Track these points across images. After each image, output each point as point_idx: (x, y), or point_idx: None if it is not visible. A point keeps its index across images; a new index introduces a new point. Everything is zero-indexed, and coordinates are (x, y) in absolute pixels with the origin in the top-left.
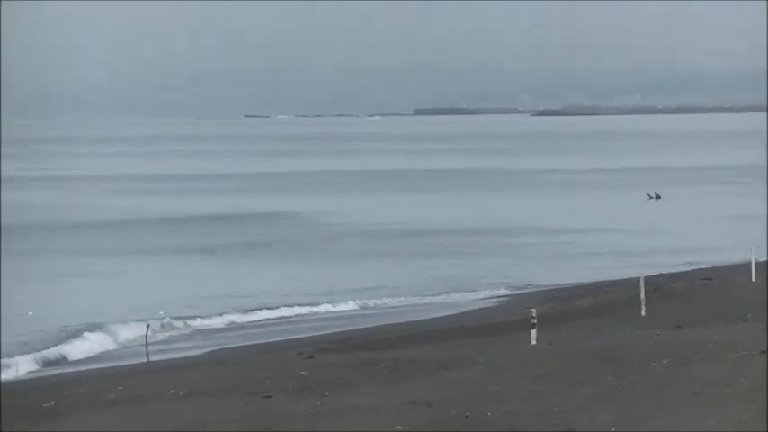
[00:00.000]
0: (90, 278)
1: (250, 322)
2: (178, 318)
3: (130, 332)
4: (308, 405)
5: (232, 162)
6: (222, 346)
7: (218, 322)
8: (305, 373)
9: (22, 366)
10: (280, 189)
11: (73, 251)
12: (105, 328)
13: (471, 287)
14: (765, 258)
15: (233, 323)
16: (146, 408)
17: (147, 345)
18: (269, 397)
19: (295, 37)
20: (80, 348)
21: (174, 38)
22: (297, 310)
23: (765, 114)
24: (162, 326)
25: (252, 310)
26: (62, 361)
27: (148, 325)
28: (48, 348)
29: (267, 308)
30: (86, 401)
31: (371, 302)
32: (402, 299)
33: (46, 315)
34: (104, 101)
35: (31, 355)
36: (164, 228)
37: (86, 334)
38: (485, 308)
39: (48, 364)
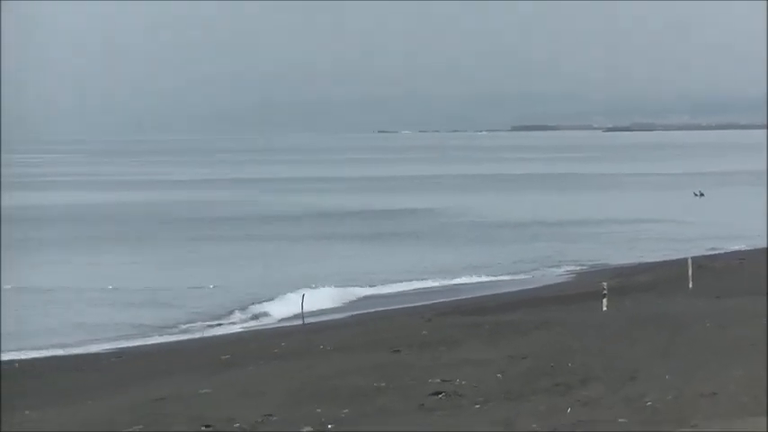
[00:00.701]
0: (263, 259)
1: (384, 293)
2: (330, 287)
3: (291, 301)
4: (427, 358)
5: (371, 167)
6: (361, 312)
7: (359, 292)
8: (425, 332)
9: (199, 329)
10: (414, 189)
11: (244, 238)
12: (274, 298)
13: (555, 265)
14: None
15: (371, 294)
16: (301, 360)
17: (302, 310)
18: (398, 351)
19: (417, 69)
20: (250, 313)
21: (321, 73)
22: (419, 284)
23: None
24: (315, 295)
25: (386, 283)
26: (235, 324)
27: (303, 295)
28: (224, 313)
29: (398, 281)
30: (255, 355)
31: (478, 277)
32: (501, 275)
33: (226, 287)
34: (279, 119)
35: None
36: (324, 220)
37: (255, 304)
38: (565, 282)
39: (223, 324)
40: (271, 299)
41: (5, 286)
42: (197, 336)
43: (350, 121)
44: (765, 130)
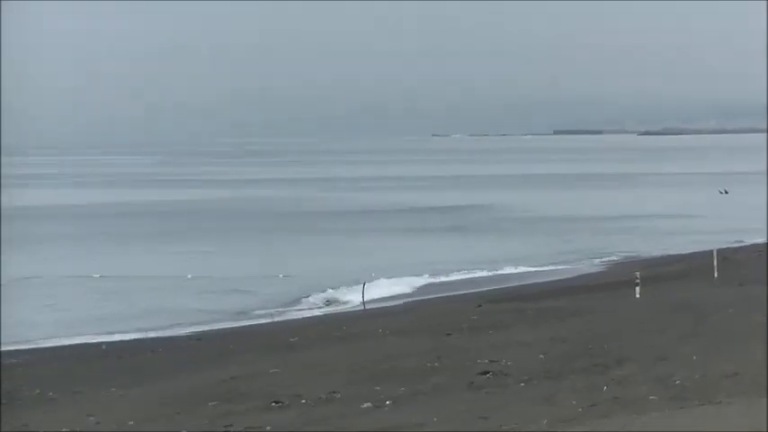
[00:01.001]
0: (329, 250)
1: (438, 282)
2: (388, 277)
3: (353, 289)
4: (476, 340)
5: (430, 167)
6: (417, 299)
7: (415, 281)
8: (474, 317)
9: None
10: (466, 186)
11: (312, 231)
12: (338, 287)
13: (593, 256)
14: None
15: (426, 282)
16: (362, 342)
17: (363, 297)
18: (449, 334)
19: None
20: (317, 299)
21: (383, 80)
22: (469, 274)
23: None
24: (377, 283)
25: (439, 273)
26: (302, 309)
27: (364, 283)
28: (293, 300)
29: (450, 271)
30: (320, 338)
31: (523, 267)
32: (544, 265)
33: (295, 276)
34: (336, 126)
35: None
36: (385, 215)
37: (321, 291)
38: (602, 271)
39: (292, 310)
40: (335, 287)
41: (94, 275)
42: (268, 320)
43: (405, 124)
44: None
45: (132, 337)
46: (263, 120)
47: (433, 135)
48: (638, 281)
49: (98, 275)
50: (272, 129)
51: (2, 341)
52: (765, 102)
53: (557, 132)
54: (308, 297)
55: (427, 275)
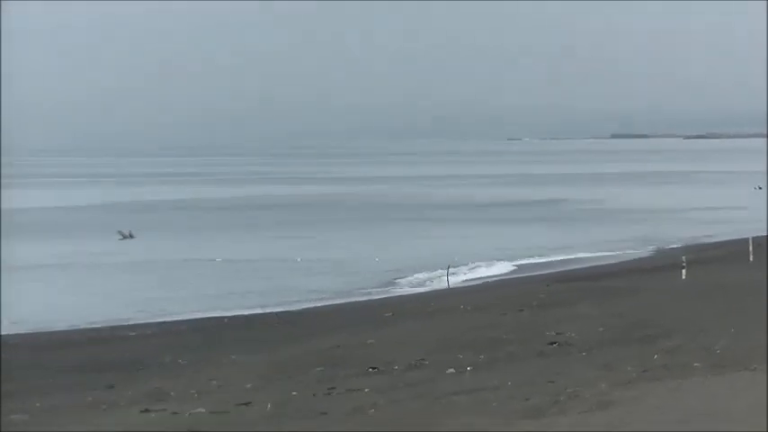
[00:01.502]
0: (420, 237)
1: (514, 265)
2: (471, 261)
3: (440, 271)
4: (545, 315)
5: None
6: (494, 279)
7: (495, 265)
8: (543, 296)
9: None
10: (541, 183)
11: (406, 220)
12: (427, 269)
13: (646, 242)
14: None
15: (505, 265)
16: (447, 317)
17: (448, 278)
18: (521, 310)
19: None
20: (409, 280)
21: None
22: (540, 259)
23: None
24: (460, 266)
25: (516, 257)
26: (395, 288)
27: (449, 266)
28: (387, 280)
29: (525, 256)
30: (411, 313)
31: (587, 253)
32: (605, 250)
33: (390, 260)
34: (417, 127)
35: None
36: (472, 208)
37: (412, 273)
38: (653, 256)
39: (387, 289)
40: (424, 269)
41: (217, 259)
42: (366, 298)
43: (480, 129)
44: None
45: (249, 312)
46: (345, 126)
47: (508, 139)
48: (684, 264)
49: (220, 259)
50: (353, 132)
51: (140, 316)
52: None
53: (614, 136)
54: (401, 278)
55: (505, 260)
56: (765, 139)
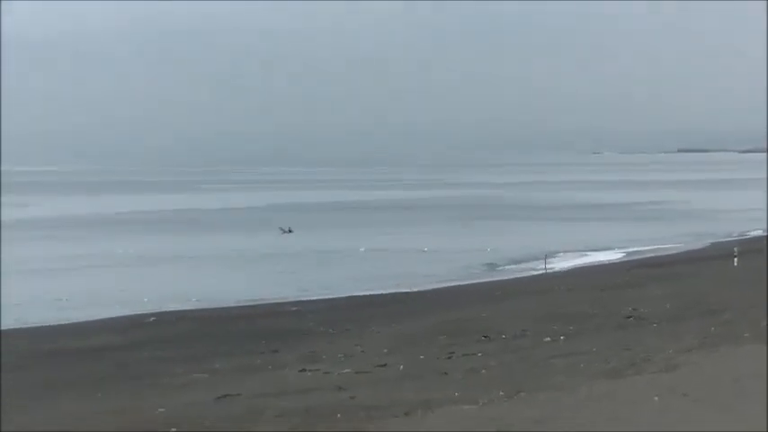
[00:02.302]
0: (523, 231)
1: (602, 254)
2: (565, 251)
3: (540, 259)
4: (623, 295)
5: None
6: (583, 265)
7: (584, 253)
8: (621, 279)
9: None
10: (625, 188)
11: (511, 218)
12: (529, 257)
13: (702, 237)
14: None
15: (592, 255)
16: (545, 296)
17: (545, 264)
18: (604, 290)
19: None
20: (514, 266)
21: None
22: (625, 249)
23: None
24: (557, 255)
25: (605, 248)
26: (504, 272)
27: (546, 255)
28: (497, 266)
29: (612, 247)
30: (517, 292)
31: (661, 244)
32: (673, 243)
33: (499, 249)
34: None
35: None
36: (565, 208)
37: (517, 260)
38: (711, 246)
39: (497, 272)
40: (527, 257)
41: (360, 248)
42: (479, 280)
43: (565, 142)
44: None
45: (386, 292)
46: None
47: (592, 153)
48: (735, 253)
49: (363, 249)
50: (469, 145)
51: (300, 295)
52: None
53: (680, 150)
54: (509, 265)
55: (595, 249)
56: None
